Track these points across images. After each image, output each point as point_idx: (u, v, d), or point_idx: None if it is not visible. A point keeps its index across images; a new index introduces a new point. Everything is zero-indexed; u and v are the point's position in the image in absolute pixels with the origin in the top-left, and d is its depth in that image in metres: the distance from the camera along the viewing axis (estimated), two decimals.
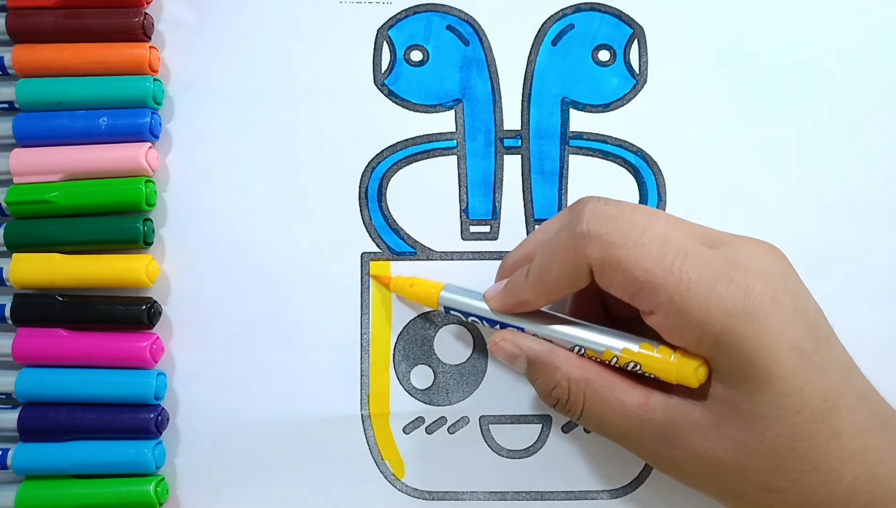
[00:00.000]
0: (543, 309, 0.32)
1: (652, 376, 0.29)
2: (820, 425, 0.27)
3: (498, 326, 0.32)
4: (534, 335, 0.31)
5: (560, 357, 0.30)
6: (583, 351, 0.30)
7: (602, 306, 0.33)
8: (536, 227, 0.36)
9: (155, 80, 0.36)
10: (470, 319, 0.33)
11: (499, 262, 0.36)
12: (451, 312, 0.34)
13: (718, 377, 0.28)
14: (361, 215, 0.37)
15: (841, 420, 0.27)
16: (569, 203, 0.36)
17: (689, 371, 0.28)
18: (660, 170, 0.36)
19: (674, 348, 0.29)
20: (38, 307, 0.35)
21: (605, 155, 0.37)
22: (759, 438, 0.27)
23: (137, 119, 0.36)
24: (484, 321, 0.32)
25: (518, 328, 0.32)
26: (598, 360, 0.30)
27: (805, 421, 0.27)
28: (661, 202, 0.36)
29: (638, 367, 0.29)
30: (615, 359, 0.30)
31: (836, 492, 0.27)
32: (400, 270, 0.36)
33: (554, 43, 0.37)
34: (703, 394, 0.28)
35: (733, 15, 0.37)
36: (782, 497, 0.28)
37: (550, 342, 0.31)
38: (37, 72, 0.36)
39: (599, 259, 0.28)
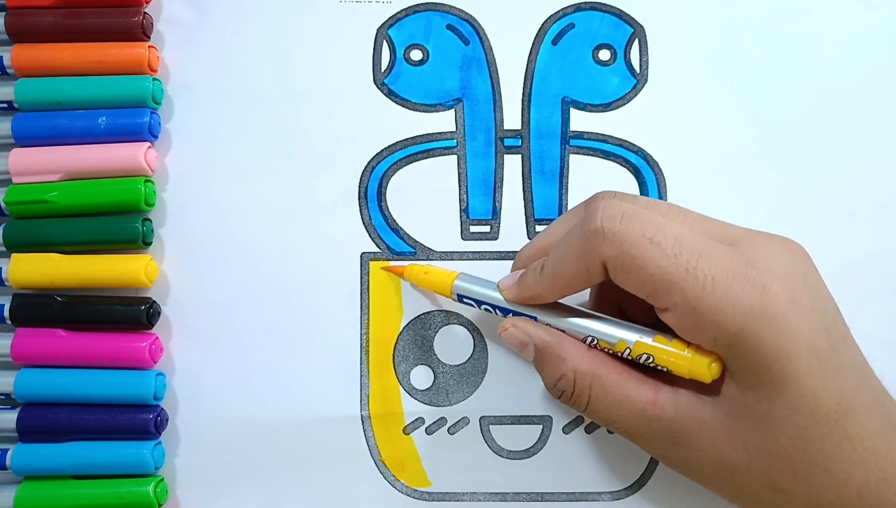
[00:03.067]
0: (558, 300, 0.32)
1: (664, 369, 0.29)
2: (833, 427, 0.26)
3: (511, 314, 0.32)
4: (546, 324, 0.31)
5: (568, 349, 0.30)
6: (595, 342, 0.30)
7: (619, 306, 0.33)
8: (538, 228, 0.36)
9: (154, 79, 0.36)
10: (483, 307, 0.33)
11: (499, 262, 0.36)
12: (464, 300, 0.33)
13: (732, 377, 0.28)
14: (361, 214, 0.36)
15: (854, 423, 0.27)
16: (569, 203, 0.36)
17: (702, 366, 0.28)
18: (660, 170, 0.36)
19: (689, 343, 0.28)
20: (37, 308, 0.35)
21: (606, 155, 0.37)
22: (770, 439, 0.27)
23: (136, 119, 0.36)
24: (497, 310, 0.32)
25: (531, 318, 0.31)
26: (610, 352, 0.30)
27: (818, 423, 0.26)
28: None
29: (650, 359, 0.29)
30: (628, 350, 0.29)
31: (844, 495, 0.27)
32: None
33: (554, 42, 0.37)
34: (714, 392, 0.28)
35: (734, 15, 0.37)
36: (790, 498, 0.27)
37: (563, 332, 0.31)
38: (36, 71, 0.36)
39: (613, 257, 0.27)
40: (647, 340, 0.29)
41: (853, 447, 0.27)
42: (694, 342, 0.28)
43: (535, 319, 0.31)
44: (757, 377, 0.27)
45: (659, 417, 0.29)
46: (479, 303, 0.33)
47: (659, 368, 0.29)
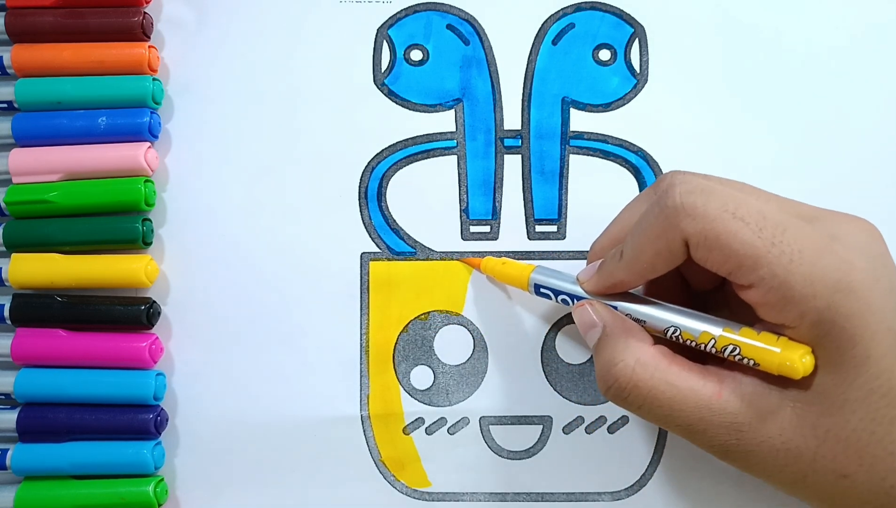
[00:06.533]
0: (637, 293, 0.31)
1: (751, 362, 0.27)
2: None
3: None
4: (627, 315, 0.30)
5: (634, 337, 0.29)
6: (678, 333, 0.29)
7: (679, 284, 0.32)
8: (538, 228, 0.36)
9: (154, 79, 0.36)
10: (560, 299, 0.32)
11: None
12: (541, 292, 0.33)
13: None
14: (361, 214, 0.36)
15: None
16: (569, 203, 0.36)
17: (794, 360, 0.26)
18: (660, 170, 0.36)
19: (776, 333, 0.27)
20: (37, 308, 0.35)
21: (606, 155, 0.37)
22: (841, 423, 0.26)
23: (136, 119, 0.36)
24: (574, 302, 0.32)
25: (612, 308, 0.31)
26: (693, 344, 0.29)
27: (889, 405, 0.26)
28: None
29: (737, 351, 0.28)
30: (712, 341, 0.28)
31: None
32: (401, 270, 0.36)
33: (554, 42, 0.37)
34: (785, 379, 0.27)
35: (734, 14, 0.37)
36: (853, 483, 0.27)
37: (642, 323, 0.30)
38: (36, 71, 0.36)
39: (696, 233, 0.27)
40: (734, 332, 0.28)
41: None
42: (778, 320, 0.27)
43: (616, 308, 0.30)
44: (839, 357, 0.26)
45: (724, 409, 0.27)
46: (557, 294, 0.32)
47: (745, 362, 0.28)
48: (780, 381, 0.27)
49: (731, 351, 0.28)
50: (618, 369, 0.29)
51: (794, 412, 0.27)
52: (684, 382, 0.28)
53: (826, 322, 0.26)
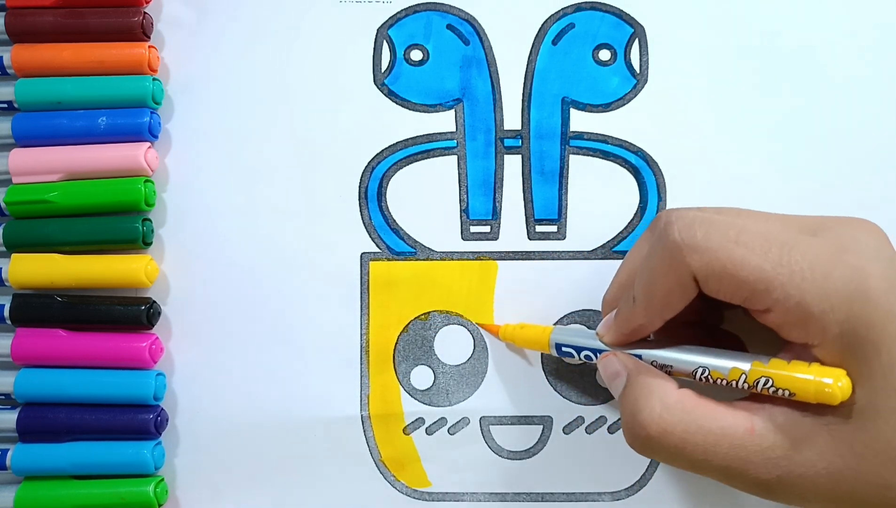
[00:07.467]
0: (656, 338, 0.31)
1: (786, 393, 0.27)
2: None
3: None
4: (652, 361, 0.30)
5: (658, 383, 0.28)
6: (706, 373, 0.28)
7: (697, 320, 0.31)
8: (538, 228, 0.36)
9: (154, 79, 0.36)
10: (583, 355, 0.32)
11: (499, 262, 0.36)
12: (563, 350, 0.33)
13: None
14: (361, 214, 0.36)
15: None
16: (569, 203, 0.36)
17: (832, 387, 0.26)
18: (660, 170, 0.36)
19: (804, 359, 0.27)
20: (37, 308, 0.35)
21: (606, 155, 0.37)
22: (876, 435, 0.26)
23: (136, 119, 0.36)
24: (598, 356, 0.31)
25: (636, 357, 0.30)
26: (723, 382, 0.28)
27: None
28: (661, 202, 0.36)
29: (769, 383, 0.27)
30: (743, 377, 0.27)
31: None
32: (401, 270, 0.36)
33: (554, 42, 0.37)
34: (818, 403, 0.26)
35: (734, 14, 0.37)
36: None
37: (669, 368, 0.29)
38: (36, 71, 0.36)
39: (702, 267, 0.26)
40: (764, 364, 0.27)
41: None
42: (801, 339, 0.26)
43: (640, 357, 0.30)
44: (867, 367, 0.26)
45: (760, 444, 0.27)
46: (580, 351, 0.32)
47: (779, 393, 0.27)
48: (812, 406, 0.27)
49: (765, 384, 0.27)
50: (643, 416, 0.28)
51: (829, 434, 0.26)
52: (715, 422, 0.27)
53: (848, 334, 0.26)
